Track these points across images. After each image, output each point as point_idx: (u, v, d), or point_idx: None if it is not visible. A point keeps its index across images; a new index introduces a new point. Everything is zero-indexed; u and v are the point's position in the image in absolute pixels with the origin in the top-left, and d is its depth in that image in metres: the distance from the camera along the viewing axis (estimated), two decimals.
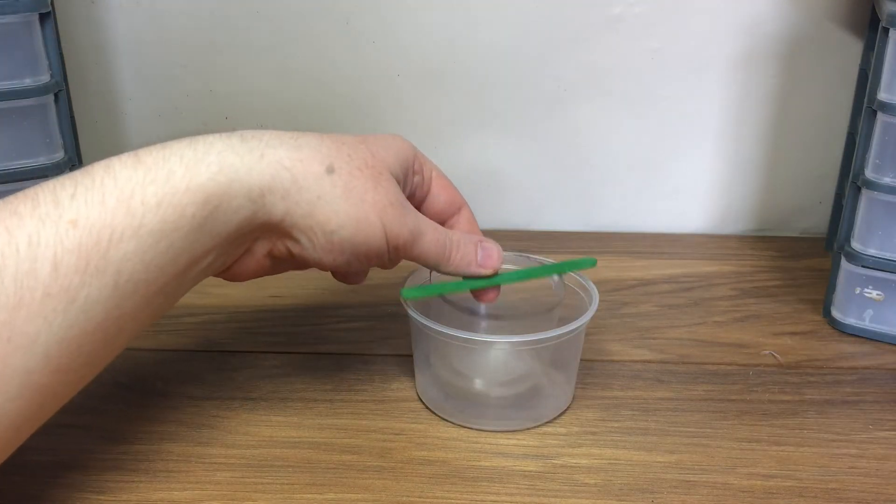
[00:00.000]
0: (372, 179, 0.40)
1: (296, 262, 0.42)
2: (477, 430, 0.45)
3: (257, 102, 0.67)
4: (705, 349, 0.52)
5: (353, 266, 0.42)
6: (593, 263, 0.48)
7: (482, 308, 0.49)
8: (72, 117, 0.55)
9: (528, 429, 0.45)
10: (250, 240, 0.40)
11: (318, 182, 0.39)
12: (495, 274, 0.45)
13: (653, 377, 0.49)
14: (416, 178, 0.45)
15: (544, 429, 0.45)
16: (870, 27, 0.58)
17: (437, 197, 0.47)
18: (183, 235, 0.36)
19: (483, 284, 0.46)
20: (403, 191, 0.43)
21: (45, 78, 0.51)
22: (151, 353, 0.52)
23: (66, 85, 0.54)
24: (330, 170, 0.39)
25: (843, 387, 0.49)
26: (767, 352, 0.52)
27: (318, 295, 0.59)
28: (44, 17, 0.50)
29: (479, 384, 0.47)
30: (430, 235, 0.43)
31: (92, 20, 0.65)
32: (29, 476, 0.41)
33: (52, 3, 0.51)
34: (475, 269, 0.45)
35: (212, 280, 0.43)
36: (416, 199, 0.46)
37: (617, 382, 0.49)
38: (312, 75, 0.66)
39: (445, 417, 0.46)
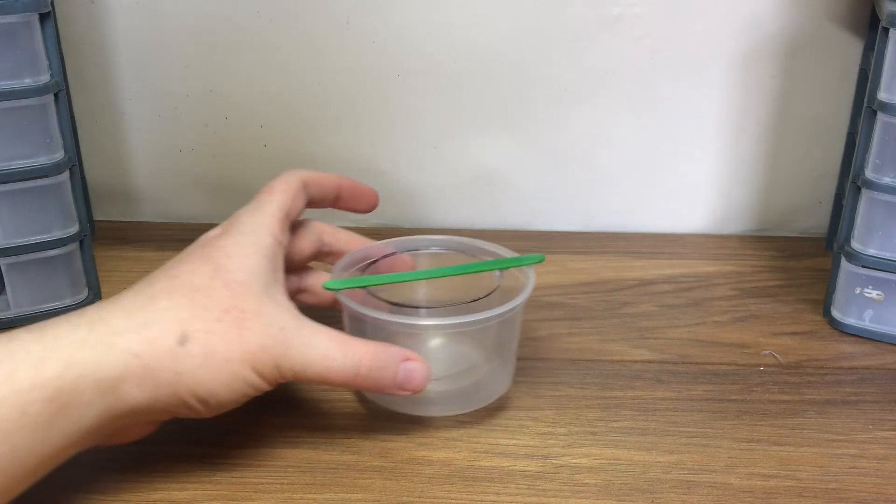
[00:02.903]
0: (234, 326, 0.38)
1: None
2: (417, 418, 0.45)
3: (257, 102, 0.67)
4: (705, 349, 0.52)
5: (252, 397, 0.40)
6: (540, 259, 0.47)
7: (420, 301, 0.49)
8: (72, 117, 0.55)
9: (527, 428, 0.45)
10: (118, 424, 0.38)
11: (172, 359, 0.37)
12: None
13: (653, 377, 0.49)
14: (287, 243, 0.44)
15: (544, 429, 0.45)
16: (870, 27, 0.58)
17: (295, 242, 0.46)
18: (27, 434, 0.34)
19: (418, 277, 0.45)
20: (278, 265, 0.42)
21: (45, 78, 0.51)
22: None
23: (66, 85, 0.54)
24: (183, 339, 0.37)
25: (843, 387, 0.49)
26: (767, 352, 0.52)
27: None
28: (44, 17, 0.50)
29: None
30: (320, 363, 0.40)
31: (92, 20, 0.65)
32: None
33: (52, 3, 0.51)
34: (393, 391, 0.41)
35: None
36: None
37: (617, 382, 0.49)
38: (312, 75, 0.66)
39: (388, 407, 0.46)
